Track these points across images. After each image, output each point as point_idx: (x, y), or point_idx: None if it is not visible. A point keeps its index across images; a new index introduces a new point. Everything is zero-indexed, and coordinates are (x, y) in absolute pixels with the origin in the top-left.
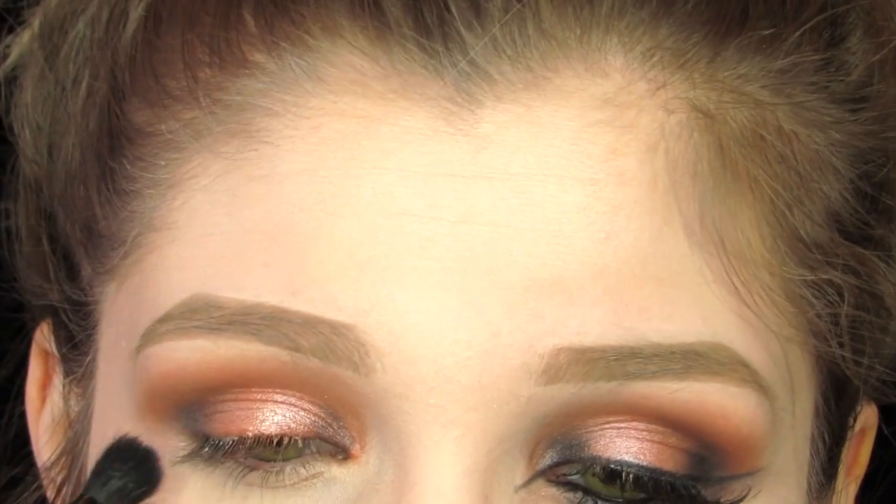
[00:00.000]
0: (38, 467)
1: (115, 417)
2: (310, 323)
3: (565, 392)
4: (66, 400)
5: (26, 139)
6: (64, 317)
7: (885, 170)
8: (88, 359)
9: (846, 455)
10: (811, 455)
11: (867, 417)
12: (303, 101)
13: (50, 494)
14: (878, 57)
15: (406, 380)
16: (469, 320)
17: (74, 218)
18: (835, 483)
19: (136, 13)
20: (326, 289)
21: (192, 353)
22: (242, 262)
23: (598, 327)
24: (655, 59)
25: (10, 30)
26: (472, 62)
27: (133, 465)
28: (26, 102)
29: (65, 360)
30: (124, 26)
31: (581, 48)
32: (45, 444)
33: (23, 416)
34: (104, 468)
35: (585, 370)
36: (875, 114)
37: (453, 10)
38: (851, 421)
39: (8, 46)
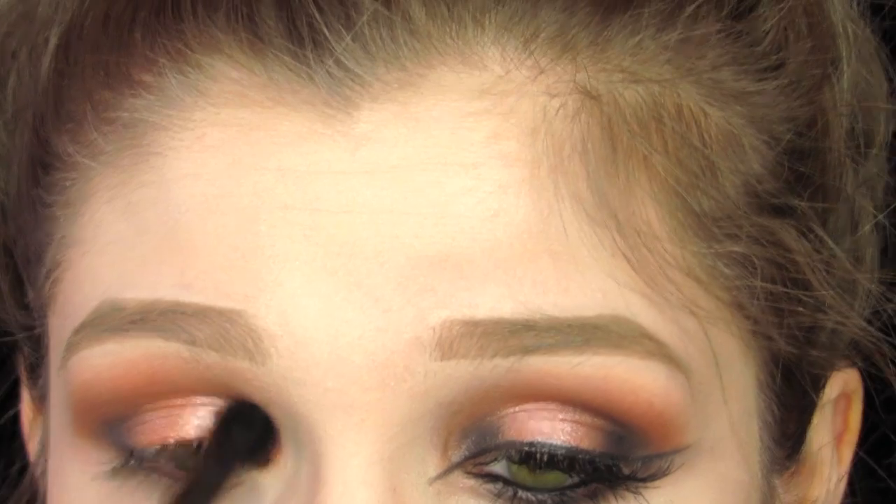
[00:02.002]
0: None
1: (56, 437)
2: (202, 313)
3: (463, 370)
4: (43, 426)
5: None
6: (24, 345)
7: (805, 138)
8: (41, 382)
9: (832, 423)
10: (759, 428)
11: (846, 382)
12: (186, 115)
13: None
14: (789, 21)
15: (302, 364)
16: (358, 300)
17: (22, 249)
18: (801, 453)
19: (52, 43)
20: (215, 278)
21: (104, 358)
22: (140, 264)
23: (490, 300)
24: (534, 46)
25: None
26: (344, 67)
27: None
28: None
29: (30, 387)
30: (41, 60)
31: (456, 44)
32: (39, 468)
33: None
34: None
35: (480, 344)
36: (788, 80)
37: (322, 18)
38: (818, 388)
39: None
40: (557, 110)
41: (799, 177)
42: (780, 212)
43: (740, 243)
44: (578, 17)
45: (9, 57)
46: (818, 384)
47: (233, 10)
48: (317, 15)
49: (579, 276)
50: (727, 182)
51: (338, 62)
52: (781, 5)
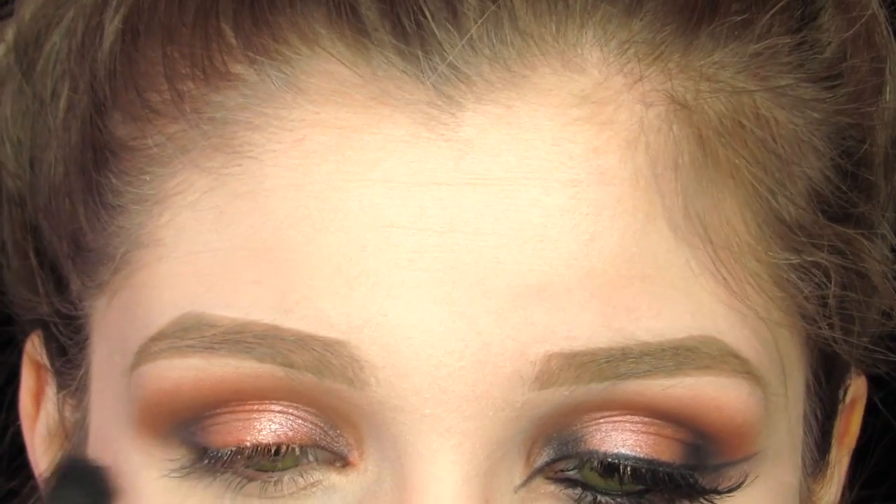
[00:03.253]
0: (36, 478)
1: (111, 432)
2: (303, 340)
3: (558, 395)
4: (60, 411)
5: (6, 153)
6: (55, 330)
7: (864, 145)
8: (81, 372)
9: (837, 427)
10: (805, 433)
11: (856, 388)
12: (284, 114)
13: None
14: (850, 33)
15: (401, 392)
16: (460, 331)
17: (61, 232)
18: (828, 457)
19: (112, 26)
20: (318, 306)
21: (187, 372)
22: (232, 280)
23: (587, 331)
24: (631, 51)
25: None
26: (451, 64)
27: (87, 489)
28: (5, 116)
29: (58, 373)
30: (101, 39)
31: (557, 44)
32: (41, 454)
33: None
34: (57, 494)
35: (577, 373)
36: (851, 89)
37: (429, 13)
38: (842, 394)
39: None
40: (653, 121)
41: (863, 184)
42: (851, 219)
43: (820, 252)
44: (671, 25)
45: (43, 32)
46: (844, 389)
47: (333, 3)
48: (423, 9)
49: (670, 298)
50: (803, 188)
51: (444, 59)
52: (844, 16)
